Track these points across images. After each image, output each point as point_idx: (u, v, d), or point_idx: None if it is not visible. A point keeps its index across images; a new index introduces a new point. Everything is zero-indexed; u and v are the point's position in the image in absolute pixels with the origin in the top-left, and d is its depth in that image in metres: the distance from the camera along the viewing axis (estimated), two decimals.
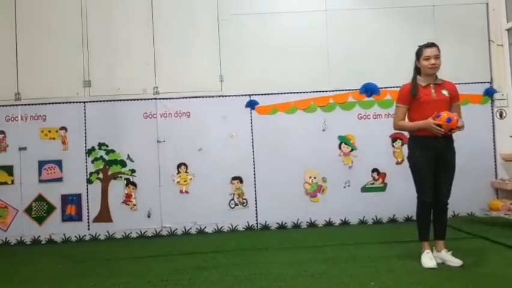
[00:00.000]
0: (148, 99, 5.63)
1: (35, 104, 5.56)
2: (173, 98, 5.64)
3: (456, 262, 3.61)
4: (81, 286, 3.59)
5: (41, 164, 5.52)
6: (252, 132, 5.67)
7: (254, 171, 5.64)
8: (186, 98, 5.64)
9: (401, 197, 5.60)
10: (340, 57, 5.71)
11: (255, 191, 5.63)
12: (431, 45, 3.73)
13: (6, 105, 5.55)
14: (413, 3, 5.76)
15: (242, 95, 5.68)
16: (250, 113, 5.69)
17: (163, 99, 5.64)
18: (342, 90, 5.72)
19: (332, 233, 5.22)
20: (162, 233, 5.58)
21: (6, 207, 5.49)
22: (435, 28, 5.77)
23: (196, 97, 5.65)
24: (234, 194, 5.64)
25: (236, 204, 5.63)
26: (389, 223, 5.64)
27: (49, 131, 5.56)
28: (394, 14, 5.77)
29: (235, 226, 5.62)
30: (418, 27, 5.75)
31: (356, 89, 5.72)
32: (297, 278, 3.48)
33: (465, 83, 5.70)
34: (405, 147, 5.52)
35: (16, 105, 5.55)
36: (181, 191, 5.61)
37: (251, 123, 5.68)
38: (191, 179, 5.62)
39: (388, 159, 5.68)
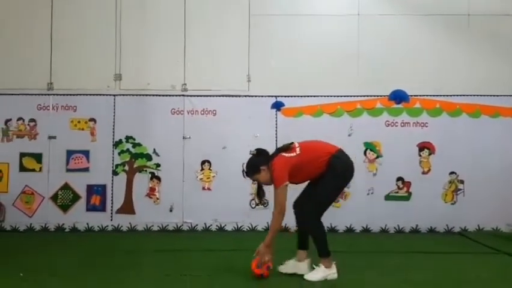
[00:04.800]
0: (176, 95, 5.69)
1: (67, 95, 5.67)
2: (200, 96, 5.68)
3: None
4: (101, 276, 3.62)
5: (69, 153, 5.63)
6: (276, 134, 5.67)
7: None
8: (213, 96, 5.68)
9: (426, 208, 5.53)
10: (370, 62, 5.65)
11: None
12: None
13: (38, 94, 5.68)
14: (447, 11, 5.67)
15: (268, 96, 5.68)
16: (276, 114, 5.69)
17: (190, 96, 5.69)
18: (371, 96, 5.66)
19: (352, 240, 5.17)
20: (183, 227, 5.63)
21: (33, 193, 5.62)
22: (470, 37, 5.67)
23: (223, 96, 5.68)
24: (255, 194, 5.63)
25: (257, 204, 5.63)
26: (411, 233, 5.56)
27: (79, 122, 5.67)
28: (428, 22, 5.68)
29: (255, 226, 5.63)
30: (452, 36, 5.68)
31: (384, 95, 5.66)
32: (314, 282, 3.46)
33: (497, 95, 5.62)
34: (433, 156, 5.58)
35: (48, 94, 5.68)
36: (203, 188, 5.66)
37: (276, 124, 5.68)
38: (214, 176, 5.65)
39: (414, 168, 5.61)
